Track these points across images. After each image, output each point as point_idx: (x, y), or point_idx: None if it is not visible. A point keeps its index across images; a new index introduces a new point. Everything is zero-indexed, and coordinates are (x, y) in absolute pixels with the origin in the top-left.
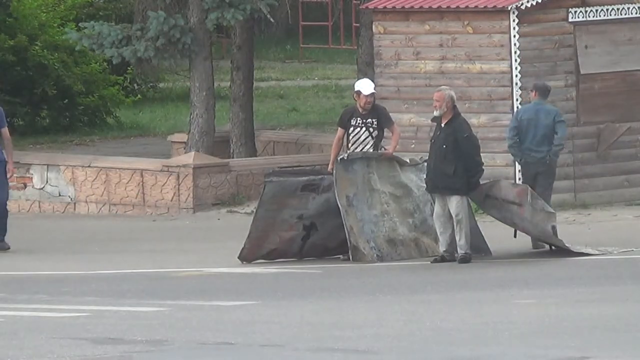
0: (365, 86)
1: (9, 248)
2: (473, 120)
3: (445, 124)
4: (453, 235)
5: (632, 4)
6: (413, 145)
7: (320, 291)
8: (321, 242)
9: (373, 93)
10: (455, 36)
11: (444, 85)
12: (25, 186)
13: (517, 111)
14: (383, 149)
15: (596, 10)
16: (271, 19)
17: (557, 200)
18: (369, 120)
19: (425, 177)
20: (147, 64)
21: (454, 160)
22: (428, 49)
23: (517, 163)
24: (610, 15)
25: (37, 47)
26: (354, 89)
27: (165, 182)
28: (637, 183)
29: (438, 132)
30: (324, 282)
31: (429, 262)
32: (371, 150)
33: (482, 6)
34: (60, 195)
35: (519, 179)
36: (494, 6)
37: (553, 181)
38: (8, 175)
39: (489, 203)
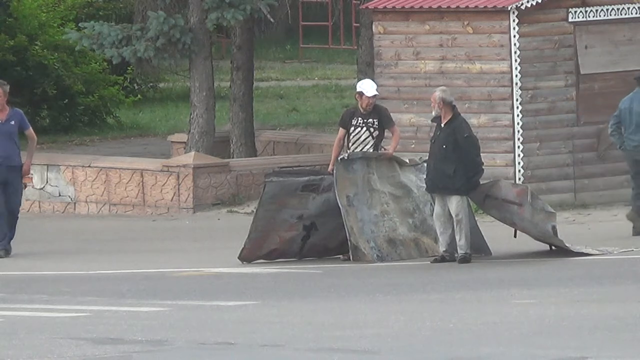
0: (368, 87)
1: (3, 256)
2: (473, 120)
3: (445, 124)
4: (453, 235)
5: (632, 4)
6: (413, 145)
7: (320, 291)
8: (321, 242)
9: (376, 95)
10: (455, 36)
11: (443, 85)
12: (25, 186)
13: (621, 100)
14: (383, 149)
15: (596, 10)
16: (271, 19)
17: (557, 200)
18: (370, 120)
19: (425, 177)
20: (147, 64)
21: (454, 161)
22: (428, 49)
23: (517, 163)
24: (610, 15)
25: (37, 47)
26: (355, 89)
27: (165, 182)
28: None
29: (438, 132)
30: (324, 282)
31: (429, 262)
32: (371, 150)
33: (482, 6)
34: (60, 195)
35: (519, 179)
36: (494, 6)
37: None
38: (24, 180)
39: (489, 203)
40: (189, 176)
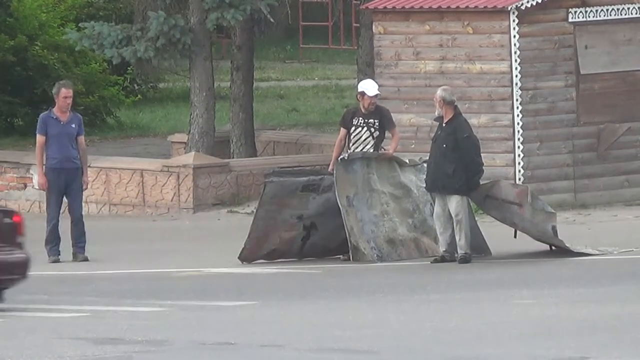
0: (369, 87)
1: (87, 259)
2: (473, 121)
3: (446, 124)
4: (453, 235)
5: (632, 4)
6: (413, 146)
7: (320, 291)
8: (321, 242)
9: (377, 94)
10: (455, 36)
11: (444, 85)
12: (25, 186)
13: None
14: (382, 149)
15: (596, 10)
16: (271, 19)
17: (557, 200)
18: (371, 120)
19: (425, 176)
20: (147, 64)
21: (454, 160)
22: (428, 49)
23: (517, 163)
24: (610, 15)
25: (37, 47)
26: (357, 89)
27: (165, 183)
28: (637, 183)
29: (439, 131)
30: (324, 282)
31: (429, 262)
32: (371, 151)
33: (482, 6)
34: None
35: (519, 179)
36: (494, 6)
37: None
38: (83, 187)
39: (489, 203)
40: (189, 176)
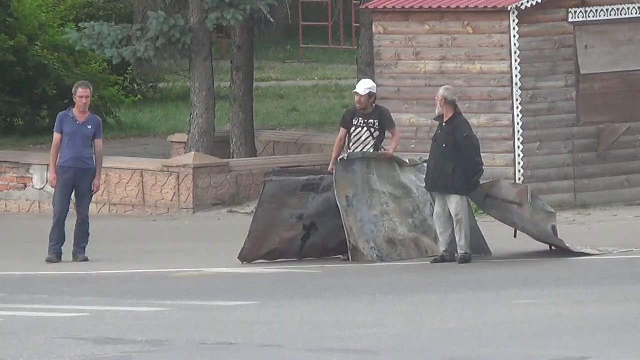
0: (359, 86)
1: (87, 259)
2: (473, 121)
3: (446, 123)
4: (453, 235)
5: (632, 4)
6: (413, 146)
7: (320, 291)
8: (321, 242)
9: (363, 94)
10: (455, 36)
11: (445, 85)
12: (25, 186)
13: None
14: (383, 149)
15: (596, 11)
16: (271, 19)
17: (557, 200)
18: (371, 120)
19: (425, 176)
20: (147, 64)
21: (454, 160)
22: (428, 49)
23: (517, 163)
24: (610, 15)
25: (37, 47)
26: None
27: (165, 183)
28: (637, 183)
29: (439, 130)
30: (324, 282)
31: (429, 262)
32: (372, 151)
33: (482, 6)
34: None
35: (519, 179)
36: (494, 6)
37: None
38: (93, 190)
39: (489, 203)
40: (189, 176)
